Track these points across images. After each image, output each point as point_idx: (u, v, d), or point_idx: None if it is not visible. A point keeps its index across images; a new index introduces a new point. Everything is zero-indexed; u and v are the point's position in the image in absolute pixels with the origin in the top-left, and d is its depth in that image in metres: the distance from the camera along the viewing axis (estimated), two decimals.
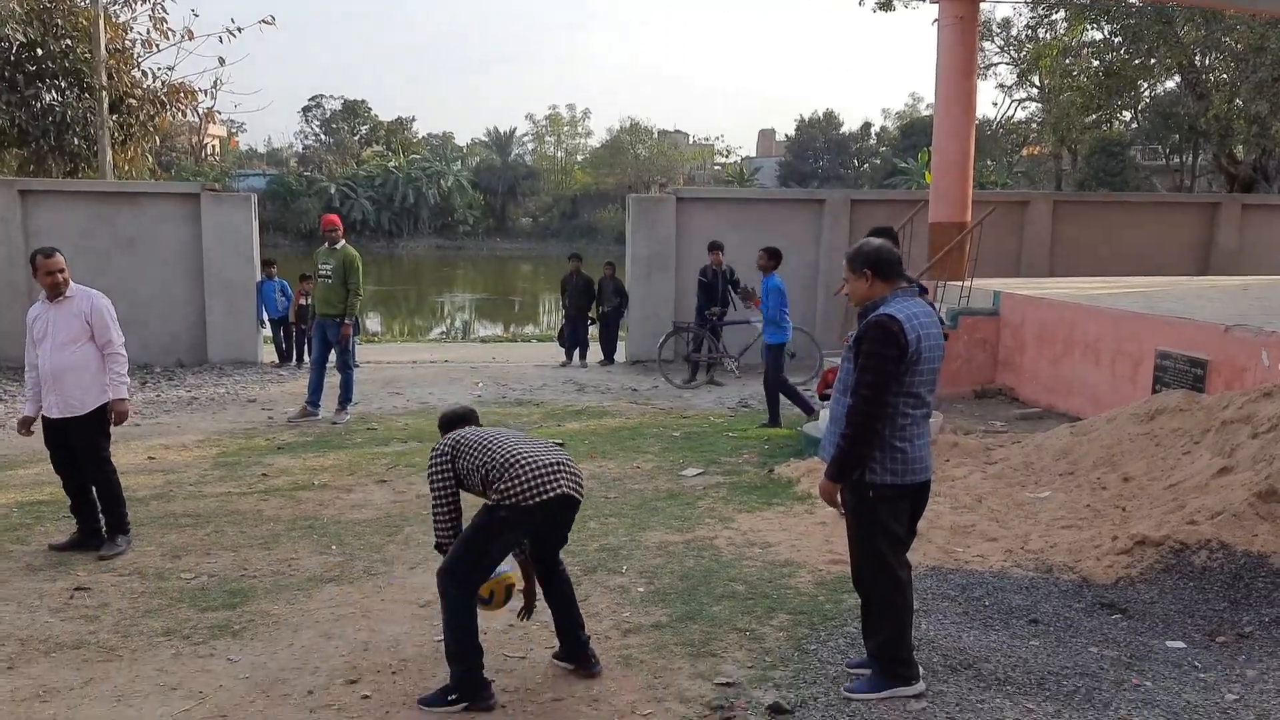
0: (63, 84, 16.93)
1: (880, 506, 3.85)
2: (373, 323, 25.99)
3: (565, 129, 78.15)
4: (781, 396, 9.57)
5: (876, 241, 4.01)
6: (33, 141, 17.10)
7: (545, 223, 70.81)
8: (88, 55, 16.58)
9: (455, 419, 4.33)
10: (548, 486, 3.86)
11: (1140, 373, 8.44)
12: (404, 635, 4.63)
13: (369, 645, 4.52)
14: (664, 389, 12.32)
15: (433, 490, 4.03)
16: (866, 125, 75.64)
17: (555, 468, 3.92)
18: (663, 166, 71.20)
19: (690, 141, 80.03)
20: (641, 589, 5.15)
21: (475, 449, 3.95)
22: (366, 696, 4.01)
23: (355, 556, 5.78)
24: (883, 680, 3.94)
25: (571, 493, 3.95)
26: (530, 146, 78.44)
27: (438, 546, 4.06)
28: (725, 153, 79.48)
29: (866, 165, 72.16)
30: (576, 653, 4.22)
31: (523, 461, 3.87)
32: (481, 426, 4.32)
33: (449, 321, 30.62)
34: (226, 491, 7.24)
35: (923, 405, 3.87)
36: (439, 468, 4.00)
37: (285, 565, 5.63)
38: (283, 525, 6.40)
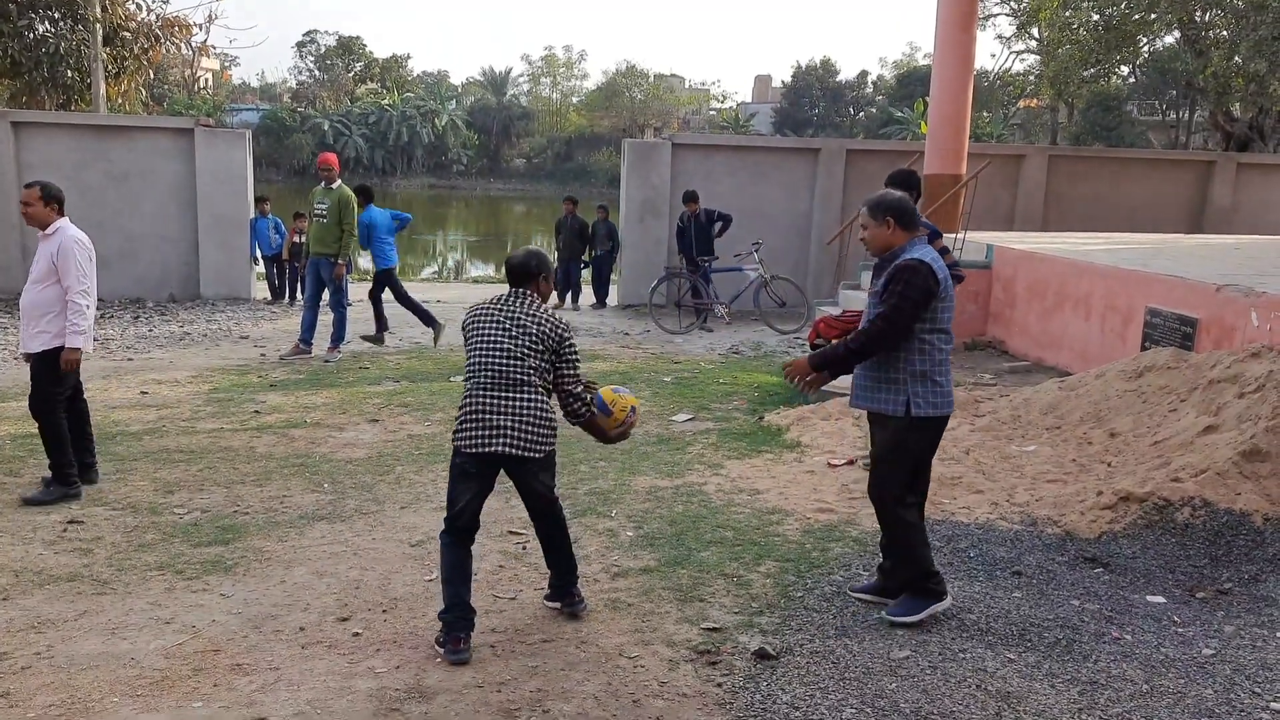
0: (56, 15, 16.69)
1: (920, 436, 4.12)
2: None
3: (561, 70, 77.30)
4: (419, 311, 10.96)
5: (898, 193, 4.21)
6: (25, 73, 16.88)
7: (539, 164, 70.33)
8: None
9: (515, 271, 4.12)
10: (474, 440, 3.92)
11: (1130, 329, 8.48)
12: (394, 574, 4.68)
13: (360, 584, 4.57)
14: (655, 334, 12.33)
15: None
16: (863, 74, 75.21)
17: (481, 419, 3.90)
18: (658, 110, 70.60)
19: (686, 86, 79.26)
20: (630, 533, 5.21)
21: (467, 342, 4.08)
22: (357, 634, 4.06)
23: (347, 495, 5.82)
24: (919, 600, 4.17)
25: (504, 451, 3.90)
26: (526, 87, 77.71)
27: None
28: (721, 98, 78.93)
29: (862, 114, 71.68)
30: (561, 592, 4.26)
31: (467, 398, 3.96)
32: (524, 296, 4.06)
33: (441, 261, 30.46)
34: (219, 428, 7.26)
35: (950, 340, 4.14)
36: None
37: (277, 502, 5.67)
38: (275, 462, 6.43)
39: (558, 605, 4.28)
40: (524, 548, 4.97)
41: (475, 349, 4.01)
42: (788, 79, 75.15)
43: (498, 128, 71.15)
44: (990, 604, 4.38)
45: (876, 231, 4.11)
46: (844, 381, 7.77)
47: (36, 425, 5.78)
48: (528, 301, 4.05)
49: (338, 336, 10.17)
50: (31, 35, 16.55)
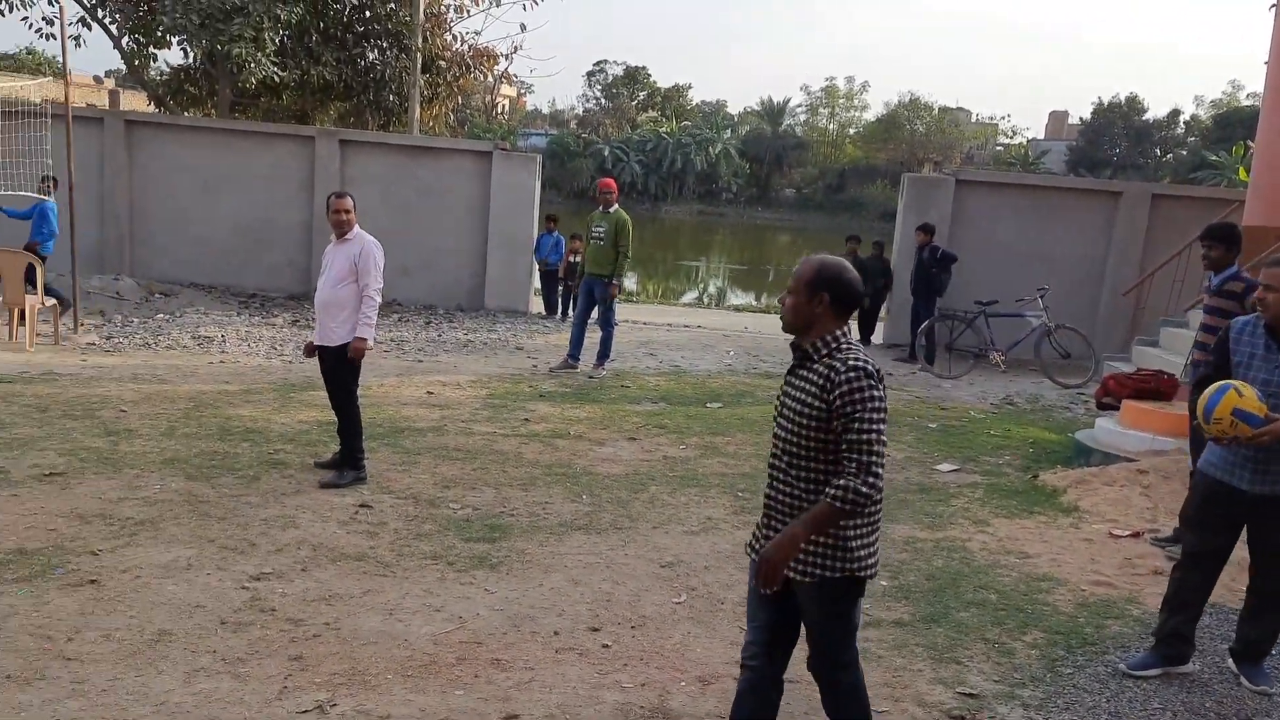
0: (384, 44, 18.56)
1: None
2: (629, 282, 26.74)
3: (841, 101, 76.64)
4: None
5: None
6: (354, 96, 18.88)
7: (809, 194, 70.03)
8: (408, 19, 18.00)
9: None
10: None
11: None
12: (644, 592, 4.76)
13: (611, 597, 4.68)
14: (922, 376, 11.89)
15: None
16: (1174, 112, 69.16)
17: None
18: (940, 144, 68.38)
19: (973, 120, 76.24)
20: (885, 582, 5.02)
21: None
22: (607, 646, 4.17)
23: (603, 508, 6.00)
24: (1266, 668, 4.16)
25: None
26: (803, 118, 77.61)
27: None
28: (1010, 133, 75.28)
29: (1170, 156, 66.08)
30: None
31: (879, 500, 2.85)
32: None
33: (702, 287, 30.96)
34: (493, 431, 7.72)
35: None
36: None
37: (540, 508, 5.94)
38: (540, 469, 6.74)
39: None
40: None
41: (879, 427, 2.78)
42: (1086, 115, 70.76)
43: (770, 157, 71.60)
44: None
45: None
46: (1125, 444, 7.14)
47: (337, 415, 6.36)
48: None
49: (604, 354, 10.56)
50: (363, 62, 18.52)
